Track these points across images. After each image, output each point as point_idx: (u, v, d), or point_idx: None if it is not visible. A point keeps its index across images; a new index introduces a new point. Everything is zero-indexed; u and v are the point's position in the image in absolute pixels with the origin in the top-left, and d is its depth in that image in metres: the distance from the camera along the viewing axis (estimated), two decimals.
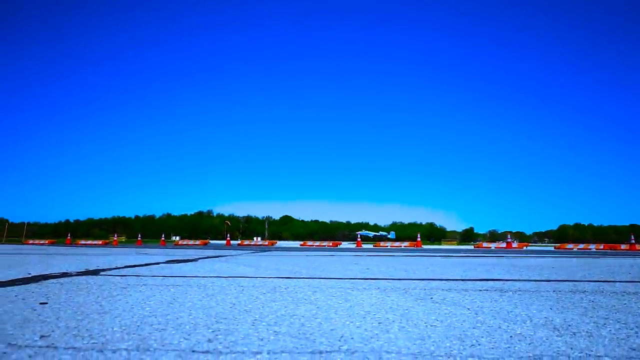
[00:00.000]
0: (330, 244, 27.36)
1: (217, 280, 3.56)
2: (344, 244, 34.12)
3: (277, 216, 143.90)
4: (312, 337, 1.58)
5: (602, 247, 24.46)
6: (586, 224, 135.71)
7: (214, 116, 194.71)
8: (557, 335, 1.66)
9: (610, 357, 1.38)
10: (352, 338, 1.57)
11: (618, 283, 3.69)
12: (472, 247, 29.13)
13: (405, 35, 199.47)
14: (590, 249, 24.00)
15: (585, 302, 2.57)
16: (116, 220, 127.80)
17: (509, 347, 1.48)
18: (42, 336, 1.53)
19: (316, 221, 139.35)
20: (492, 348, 1.46)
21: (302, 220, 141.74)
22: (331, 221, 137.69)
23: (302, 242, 32.53)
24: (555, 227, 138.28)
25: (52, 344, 1.43)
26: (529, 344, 1.52)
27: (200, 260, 6.63)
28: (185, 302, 2.38)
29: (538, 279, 3.98)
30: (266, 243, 29.51)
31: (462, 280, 3.78)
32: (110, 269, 4.53)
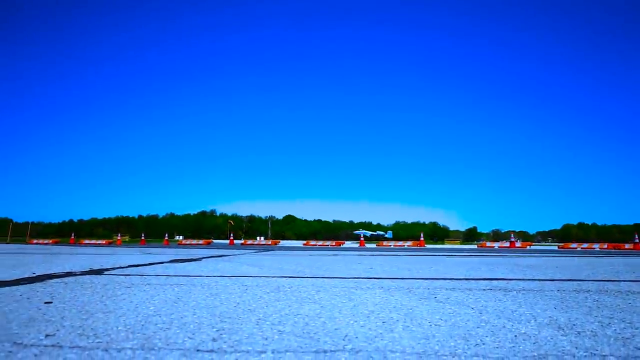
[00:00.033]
0: (334, 244, 27.36)
1: (221, 279, 3.57)
2: (347, 244, 34.12)
3: (280, 216, 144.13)
4: (316, 336, 1.58)
5: (606, 246, 24.36)
6: (590, 224, 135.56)
7: (215, 116, 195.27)
8: (561, 335, 1.65)
9: (616, 356, 1.38)
10: (356, 337, 1.57)
11: (623, 282, 3.68)
12: (475, 246, 29.10)
13: (405, 35, 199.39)
14: (594, 248, 23.92)
15: (590, 301, 2.56)
16: (120, 220, 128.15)
17: (513, 346, 1.47)
18: (47, 335, 1.54)
19: (319, 221, 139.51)
20: (497, 347, 1.45)
21: (305, 220, 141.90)
22: (334, 221, 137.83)
23: (305, 242, 32.52)
24: (558, 227, 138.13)
25: (58, 343, 1.44)
26: (534, 343, 1.52)
27: (203, 259, 6.64)
28: (189, 301, 2.38)
29: (542, 278, 3.97)
30: (269, 242, 29.54)
31: (466, 279, 3.78)
32: (114, 269, 4.54)
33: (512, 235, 26.06)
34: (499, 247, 24.55)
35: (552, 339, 1.59)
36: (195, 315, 1.96)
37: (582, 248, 23.84)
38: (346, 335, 1.60)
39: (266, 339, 1.53)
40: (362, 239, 27.71)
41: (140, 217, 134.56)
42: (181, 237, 71.81)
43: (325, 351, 1.38)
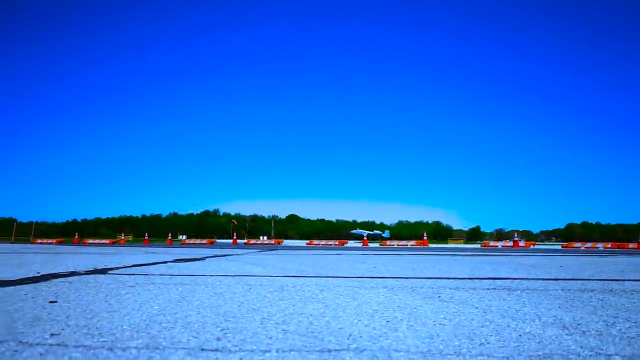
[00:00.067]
0: (337, 243, 27.37)
1: (225, 279, 3.57)
2: (350, 243, 34.11)
3: (283, 215, 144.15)
4: (320, 335, 1.58)
5: (609, 245, 24.29)
6: (594, 223, 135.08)
7: (217, 116, 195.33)
8: (566, 334, 1.65)
9: (621, 355, 1.37)
10: (360, 336, 1.57)
11: (627, 282, 3.67)
12: (478, 245, 29.05)
13: (404, 35, 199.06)
14: (598, 247, 23.86)
15: (595, 300, 2.55)
16: (123, 220, 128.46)
17: (518, 345, 1.47)
18: (52, 334, 1.54)
19: (322, 220, 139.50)
20: (502, 347, 1.45)
21: (308, 219, 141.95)
22: (337, 220, 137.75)
23: (308, 241, 32.52)
24: (562, 226, 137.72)
25: (63, 342, 1.44)
26: (539, 342, 1.52)
27: (207, 259, 6.65)
28: (193, 300, 2.38)
29: (546, 277, 3.96)
30: (272, 242, 29.58)
31: (470, 278, 3.77)
32: (118, 268, 4.55)
33: (516, 235, 26.01)
34: (502, 246, 24.51)
35: (556, 338, 1.58)
36: (200, 315, 1.96)
37: (586, 247, 23.79)
38: (350, 335, 1.60)
39: (270, 338, 1.53)
40: (365, 238, 27.73)
41: (143, 216, 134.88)
42: (184, 237, 71.92)
43: (329, 350, 1.38)
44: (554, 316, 2.03)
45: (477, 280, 3.60)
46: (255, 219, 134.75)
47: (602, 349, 1.44)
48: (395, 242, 27.05)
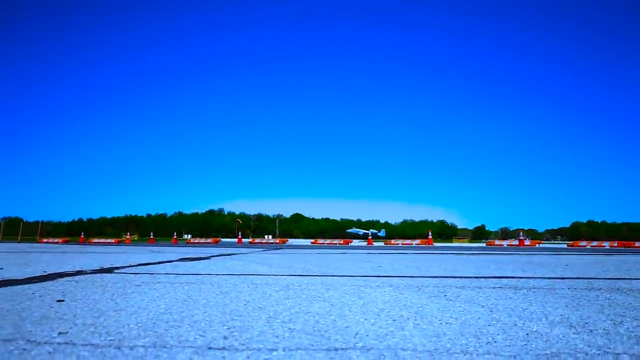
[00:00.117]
0: (342, 242, 27.37)
1: (230, 277, 3.58)
2: (355, 242, 34.11)
3: (287, 214, 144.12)
4: (327, 334, 1.58)
5: (616, 244, 24.16)
6: (599, 221, 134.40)
7: (221, 115, 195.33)
8: (574, 333, 1.64)
9: (629, 354, 1.37)
10: (367, 335, 1.57)
11: (634, 280, 3.65)
12: (483, 244, 28.99)
13: (405, 35, 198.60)
14: (604, 246, 23.74)
15: (602, 299, 2.54)
16: (128, 219, 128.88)
17: (525, 344, 1.47)
18: (60, 333, 1.55)
19: (327, 219, 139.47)
20: (509, 345, 1.45)
21: (313, 218, 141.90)
22: (342, 219, 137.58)
23: (313, 240, 32.54)
24: (568, 225, 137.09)
25: (71, 340, 1.45)
26: (546, 341, 1.51)
27: (212, 258, 6.66)
28: (199, 299, 2.39)
29: (552, 276, 3.95)
30: (277, 241, 29.57)
31: (476, 277, 3.76)
32: (124, 267, 4.57)
33: (521, 234, 25.93)
34: (507, 245, 24.41)
35: (564, 337, 1.58)
36: (206, 314, 1.97)
37: (591, 246, 23.68)
38: (357, 333, 1.60)
39: (277, 336, 1.54)
40: (370, 237, 27.70)
41: (148, 216, 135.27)
42: (189, 236, 72.11)
43: (336, 349, 1.38)
44: (561, 315, 2.02)
45: (483, 279, 3.60)
46: (259, 218, 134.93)
47: (610, 348, 1.43)
48: (400, 241, 27.01)
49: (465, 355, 1.33)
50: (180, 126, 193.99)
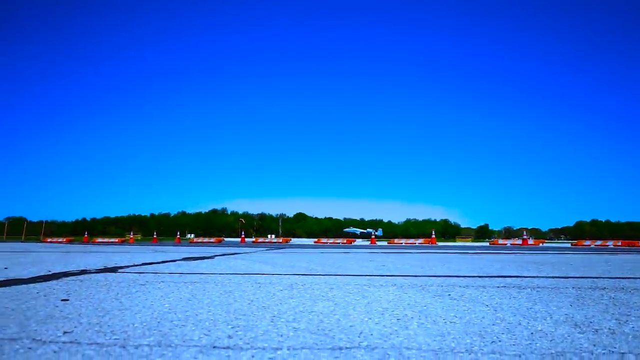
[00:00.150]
0: (345, 241, 27.36)
1: (234, 277, 3.58)
2: (358, 241, 34.10)
3: (290, 213, 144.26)
4: (331, 333, 1.59)
5: (620, 243, 24.07)
6: (603, 220, 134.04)
7: (225, 115, 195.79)
8: (579, 332, 1.64)
9: (634, 354, 1.36)
10: (371, 334, 1.57)
11: (639, 280, 3.64)
12: (487, 244, 28.92)
13: (405, 35, 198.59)
14: (608, 245, 23.65)
15: (606, 298, 2.54)
16: (132, 219, 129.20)
17: (530, 343, 1.46)
18: (65, 332, 1.56)
19: (330, 218, 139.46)
20: (513, 345, 1.44)
21: (316, 218, 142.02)
22: (345, 218, 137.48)
23: (316, 240, 32.53)
24: (571, 224, 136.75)
25: (76, 339, 1.45)
26: (551, 340, 1.51)
27: (216, 257, 6.67)
28: (203, 298, 2.39)
29: (556, 275, 3.94)
30: (280, 240, 29.58)
31: (480, 276, 3.76)
32: (128, 267, 4.58)
33: (525, 233, 25.88)
34: (511, 244, 24.35)
35: (569, 336, 1.58)
36: (210, 313, 1.97)
37: (595, 245, 23.62)
38: (361, 332, 1.60)
39: (281, 335, 1.54)
40: (373, 236, 27.69)
41: (152, 215, 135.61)
42: (193, 236, 72.16)
43: (340, 348, 1.38)
44: (566, 314, 2.02)
45: (486, 279, 3.59)
46: (262, 217, 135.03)
47: (615, 347, 1.43)
48: (403, 240, 26.97)
49: (469, 354, 1.33)
50: (184, 126, 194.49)
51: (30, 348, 1.35)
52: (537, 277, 3.78)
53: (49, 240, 29.80)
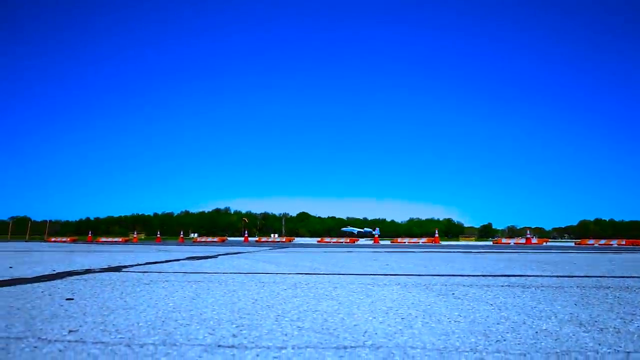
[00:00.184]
0: (348, 240, 27.34)
1: (238, 276, 3.59)
2: (361, 241, 34.08)
3: (294, 213, 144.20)
4: (335, 332, 1.59)
5: (623, 242, 23.98)
6: (607, 220, 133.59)
7: (227, 115, 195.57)
8: (583, 331, 1.64)
9: None
10: (375, 333, 1.57)
11: None
12: (490, 243, 28.86)
13: (406, 36, 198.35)
14: (611, 244, 23.57)
15: (611, 298, 2.53)
16: (135, 218, 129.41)
17: (535, 342, 1.46)
18: (70, 331, 1.56)
19: (333, 218, 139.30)
20: (518, 344, 1.44)
21: (319, 217, 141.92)
22: (348, 218, 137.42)
23: (319, 239, 32.51)
24: (575, 223, 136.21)
25: (81, 338, 1.46)
26: (556, 339, 1.51)
27: (219, 256, 6.68)
28: (207, 298, 2.40)
29: (560, 274, 3.93)
30: (283, 240, 29.56)
31: (484, 276, 3.75)
32: (132, 266, 4.59)
33: (528, 232, 25.82)
34: (514, 243, 24.28)
35: (574, 335, 1.57)
36: (215, 312, 1.98)
37: (599, 244, 23.54)
38: (366, 331, 1.60)
39: (286, 334, 1.54)
40: (376, 235, 27.68)
41: (155, 215, 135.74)
42: (196, 235, 72.26)
43: (345, 347, 1.38)
44: (570, 313, 2.01)
45: (490, 278, 3.58)
46: (266, 216, 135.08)
47: (621, 347, 1.42)
48: (406, 240, 26.92)
49: (474, 353, 1.33)
50: (187, 126, 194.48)
51: (36, 347, 1.35)
52: (541, 276, 3.77)
53: (53, 239, 29.89)
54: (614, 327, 1.72)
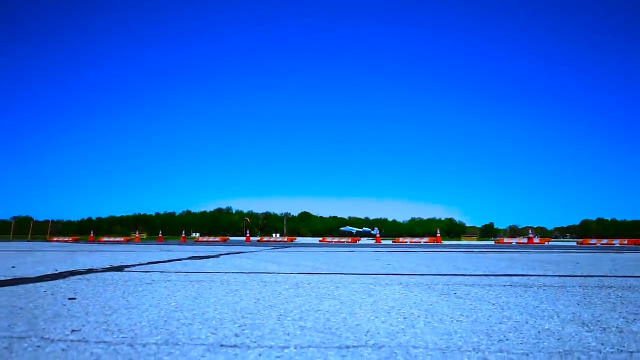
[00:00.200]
0: (349, 240, 27.34)
1: (240, 276, 3.59)
2: (363, 240, 34.07)
3: (295, 212, 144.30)
4: (338, 332, 1.59)
5: (626, 242, 23.93)
6: (609, 219, 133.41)
7: (229, 115, 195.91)
8: (586, 331, 1.63)
9: None
10: (378, 333, 1.57)
11: None
12: (492, 242, 28.83)
13: (406, 36, 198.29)
14: (614, 244, 23.52)
15: (613, 297, 2.52)
16: (137, 218, 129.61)
17: (537, 342, 1.46)
18: (73, 330, 1.56)
19: (334, 217, 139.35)
20: (521, 343, 1.44)
21: (321, 217, 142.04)
22: (349, 217, 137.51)
23: (321, 238, 32.51)
24: (577, 222, 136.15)
25: (84, 338, 1.46)
26: (558, 339, 1.50)
27: (221, 256, 6.68)
28: (209, 297, 2.40)
29: (563, 274, 3.92)
30: (285, 239, 29.57)
31: (485, 275, 3.75)
32: (134, 265, 4.60)
33: (530, 231, 25.76)
34: (516, 243, 24.24)
35: (576, 335, 1.57)
36: (217, 311, 1.98)
37: (601, 244, 23.49)
38: (368, 331, 1.60)
39: (288, 334, 1.54)
40: (378, 235, 27.66)
41: (157, 214, 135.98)
42: (198, 235, 72.37)
43: (347, 347, 1.38)
44: (573, 313, 2.01)
45: (492, 277, 3.58)
46: (267, 216, 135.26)
47: (624, 346, 1.42)
48: (408, 239, 26.91)
49: (477, 352, 1.33)
50: (189, 126, 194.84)
51: (38, 346, 1.35)
52: (544, 275, 3.76)
53: (55, 239, 29.93)
54: (617, 327, 1.71)
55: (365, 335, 1.53)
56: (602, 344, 1.45)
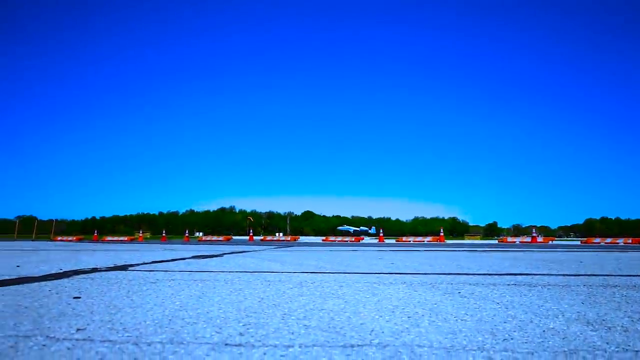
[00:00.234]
0: (353, 239, 27.34)
1: (244, 275, 3.59)
2: (366, 239, 34.07)
3: (298, 212, 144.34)
4: (342, 331, 1.59)
5: (630, 241, 23.84)
6: (613, 218, 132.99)
7: (232, 114, 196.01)
8: (591, 330, 1.63)
9: None
10: (382, 332, 1.57)
11: None
12: (496, 241, 28.77)
13: (406, 36, 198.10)
14: (618, 243, 23.44)
15: (618, 296, 2.52)
16: (141, 217, 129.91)
17: (542, 341, 1.46)
18: (78, 329, 1.57)
19: (338, 216, 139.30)
20: (525, 342, 1.44)
21: (324, 216, 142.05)
22: (352, 216, 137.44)
23: (324, 238, 32.51)
24: (581, 221, 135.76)
25: (89, 336, 1.47)
26: (563, 338, 1.50)
27: (225, 255, 6.69)
28: (214, 296, 2.40)
29: (567, 273, 3.91)
30: (288, 238, 29.60)
31: (489, 274, 3.74)
32: (138, 265, 4.61)
33: (534, 230, 25.69)
34: (520, 242, 24.18)
35: (581, 334, 1.57)
36: (221, 310, 1.98)
37: (605, 243, 23.41)
38: (372, 330, 1.60)
39: (292, 333, 1.54)
40: (381, 234, 27.65)
41: (160, 214, 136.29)
42: (201, 234, 72.33)
43: (352, 346, 1.38)
44: (578, 312, 2.01)
45: (496, 276, 3.57)
46: (270, 215, 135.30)
47: (629, 345, 1.42)
48: (411, 238, 26.88)
49: (482, 351, 1.33)
50: (192, 125, 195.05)
51: (44, 345, 1.36)
52: (548, 274, 3.75)
53: (59, 238, 30.02)
54: (622, 326, 1.71)
55: (370, 334, 1.53)
56: (607, 343, 1.44)
